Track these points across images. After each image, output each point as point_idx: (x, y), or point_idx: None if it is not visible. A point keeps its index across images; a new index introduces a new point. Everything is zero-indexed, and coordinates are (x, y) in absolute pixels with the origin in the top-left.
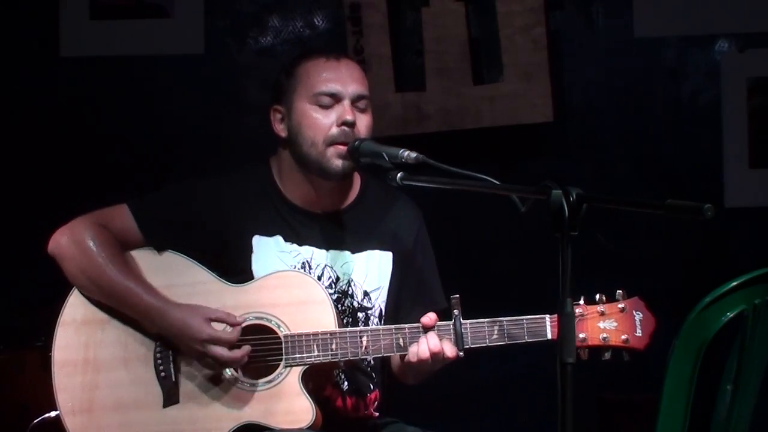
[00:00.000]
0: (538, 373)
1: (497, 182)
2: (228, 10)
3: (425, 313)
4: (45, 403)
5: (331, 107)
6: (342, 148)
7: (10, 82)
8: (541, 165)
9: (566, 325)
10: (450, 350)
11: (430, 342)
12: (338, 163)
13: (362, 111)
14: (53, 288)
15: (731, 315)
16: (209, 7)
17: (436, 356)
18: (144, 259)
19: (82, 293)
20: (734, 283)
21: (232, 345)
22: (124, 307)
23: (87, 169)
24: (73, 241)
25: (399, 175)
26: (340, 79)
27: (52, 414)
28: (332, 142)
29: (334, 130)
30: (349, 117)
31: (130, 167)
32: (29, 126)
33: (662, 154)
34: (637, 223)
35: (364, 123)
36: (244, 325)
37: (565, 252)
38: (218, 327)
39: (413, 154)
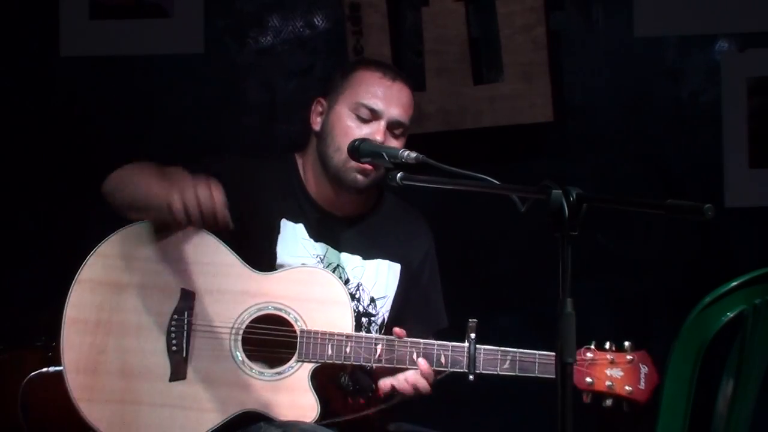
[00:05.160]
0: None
1: (497, 182)
2: (228, 10)
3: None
4: (45, 402)
5: (367, 122)
6: (366, 168)
7: (10, 81)
8: (541, 165)
9: (566, 325)
10: (421, 384)
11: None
12: (359, 178)
13: (396, 137)
14: (53, 288)
15: (731, 315)
16: (209, 7)
17: (404, 390)
18: (176, 233)
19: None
20: (734, 283)
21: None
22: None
23: (87, 169)
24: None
25: (399, 175)
26: (387, 98)
27: (51, 369)
28: None
29: None
30: (378, 137)
31: None
32: (29, 126)
33: (662, 154)
34: (637, 223)
35: None
36: (263, 313)
37: (565, 252)
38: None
39: (413, 154)
